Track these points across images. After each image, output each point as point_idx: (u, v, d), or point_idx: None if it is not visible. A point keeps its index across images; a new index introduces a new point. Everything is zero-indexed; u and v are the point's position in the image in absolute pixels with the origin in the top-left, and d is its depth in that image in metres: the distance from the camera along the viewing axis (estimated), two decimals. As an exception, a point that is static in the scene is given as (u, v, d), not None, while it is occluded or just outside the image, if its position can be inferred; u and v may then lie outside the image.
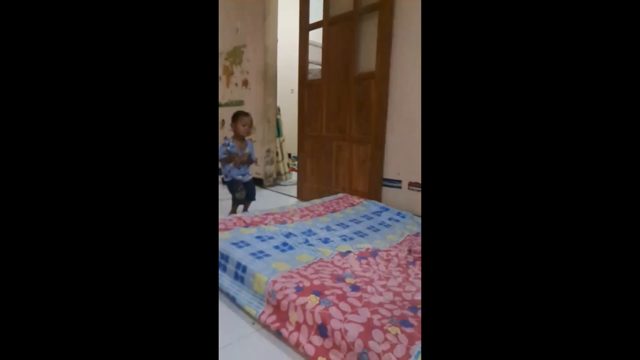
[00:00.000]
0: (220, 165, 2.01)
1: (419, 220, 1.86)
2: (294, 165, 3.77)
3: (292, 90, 4.06)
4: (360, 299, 0.96)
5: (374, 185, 2.22)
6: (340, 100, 2.39)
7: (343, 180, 2.43)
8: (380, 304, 0.94)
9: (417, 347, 0.77)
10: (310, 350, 0.85)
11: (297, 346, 0.88)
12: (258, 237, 1.40)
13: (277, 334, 0.94)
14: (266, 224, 1.58)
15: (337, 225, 1.69)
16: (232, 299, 1.11)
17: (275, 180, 3.39)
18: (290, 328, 0.92)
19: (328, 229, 1.62)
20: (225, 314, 1.07)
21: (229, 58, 3.58)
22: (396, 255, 1.34)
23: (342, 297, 0.95)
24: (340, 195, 2.25)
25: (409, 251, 1.40)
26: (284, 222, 1.65)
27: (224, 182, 2.08)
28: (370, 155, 2.22)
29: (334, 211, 1.92)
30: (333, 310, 0.88)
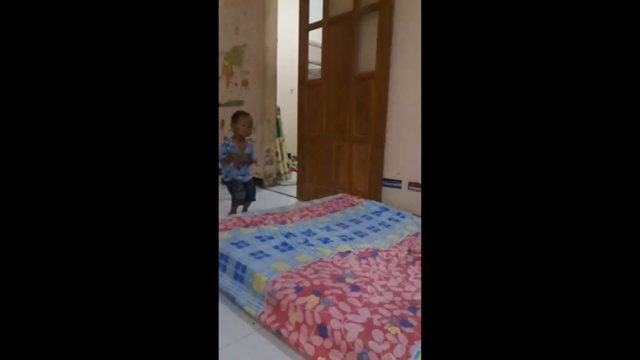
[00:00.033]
0: (220, 165, 2.01)
1: (419, 220, 1.86)
2: (294, 165, 3.77)
3: (292, 90, 4.06)
4: (360, 299, 0.96)
5: (373, 185, 2.22)
6: (340, 100, 2.39)
7: (343, 180, 2.43)
8: (380, 304, 0.94)
9: (417, 347, 0.77)
10: (310, 350, 0.85)
11: (296, 346, 0.88)
12: (258, 237, 1.40)
13: (277, 334, 0.94)
14: (266, 224, 1.58)
15: (337, 225, 1.69)
16: (232, 299, 1.11)
17: (275, 180, 3.39)
18: (290, 328, 0.92)
19: (328, 229, 1.62)
20: (225, 314, 1.07)
21: (228, 58, 3.57)
22: (396, 255, 1.34)
23: (342, 297, 0.95)
24: (340, 195, 2.25)
25: (409, 251, 1.40)
26: (283, 222, 1.65)
27: (223, 182, 2.08)
28: (370, 155, 2.22)
29: (333, 211, 1.92)
30: (333, 310, 0.88)
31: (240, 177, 2.02)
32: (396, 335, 0.80)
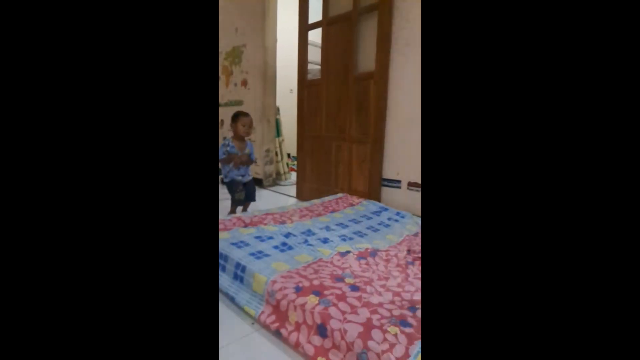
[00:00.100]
0: (219, 165, 2.01)
1: (419, 220, 1.86)
2: (293, 165, 3.77)
3: (292, 90, 4.06)
4: (359, 299, 0.96)
5: (373, 185, 2.22)
6: (339, 100, 2.39)
7: (342, 180, 2.43)
8: (380, 304, 0.94)
9: (416, 346, 0.77)
10: (310, 350, 0.85)
11: (296, 346, 0.88)
12: (257, 237, 1.40)
13: (277, 334, 0.94)
14: (265, 224, 1.58)
15: (337, 225, 1.69)
16: (232, 299, 1.11)
17: (274, 180, 3.39)
18: (290, 328, 0.93)
19: (327, 229, 1.62)
20: (225, 314, 1.07)
21: (228, 58, 3.57)
22: (395, 255, 1.35)
23: (342, 297, 0.95)
24: (339, 195, 2.25)
25: (408, 251, 1.40)
26: (283, 222, 1.65)
27: (223, 183, 2.08)
28: (369, 155, 2.22)
29: (333, 211, 1.92)
30: (332, 310, 0.88)
31: (240, 178, 2.01)
32: (395, 335, 0.80)
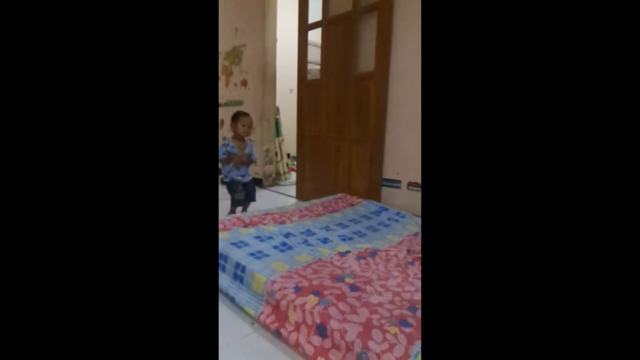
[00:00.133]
0: (220, 165, 2.01)
1: (418, 220, 1.86)
2: (293, 165, 3.77)
3: (291, 90, 4.05)
4: (359, 299, 0.96)
5: (373, 185, 2.22)
6: (339, 100, 2.39)
7: (342, 180, 2.43)
8: (380, 304, 0.94)
9: (416, 347, 0.77)
10: (310, 350, 0.85)
11: (296, 346, 0.88)
12: (257, 237, 1.40)
13: (277, 334, 0.94)
14: (265, 224, 1.58)
15: (336, 225, 1.69)
16: (232, 299, 1.11)
17: (274, 180, 3.39)
18: (290, 328, 0.93)
19: (327, 229, 1.62)
20: (225, 314, 1.07)
21: (228, 58, 3.57)
22: (395, 255, 1.35)
23: (341, 297, 0.95)
24: (339, 195, 2.25)
25: (408, 251, 1.40)
26: (283, 222, 1.65)
27: (223, 183, 2.07)
28: (369, 155, 2.22)
29: (333, 211, 1.92)
30: (332, 310, 0.88)
31: (240, 178, 2.01)
32: (395, 335, 0.80)
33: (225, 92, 3.66)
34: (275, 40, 3.17)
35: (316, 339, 0.86)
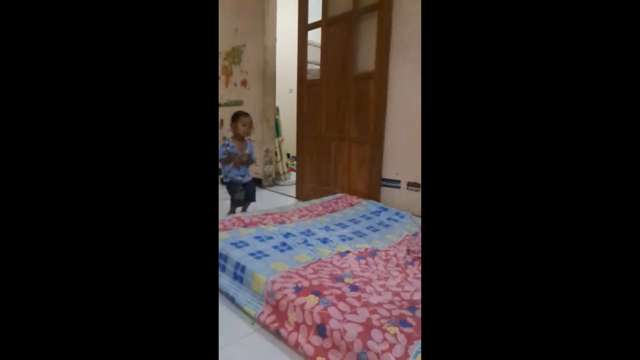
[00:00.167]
0: (220, 165, 2.00)
1: (418, 220, 1.86)
2: (293, 165, 3.77)
3: (291, 90, 4.06)
4: (359, 298, 0.96)
5: (372, 185, 2.22)
6: (339, 100, 2.39)
7: (342, 180, 2.43)
8: (379, 304, 0.94)
9: (416, 346, 0.77)
10: (309, 350, 0.85)
11: (296, 346, 0.88)
12: (257, 237, 1.40)
13: (276, 334, 0.94)
14: (265, 224, 1.58)
15: (336, 225, 1.69)
16: (231, 299, 1.11)
17: (274, 180, 3.39)
18: (289, 328, 0.93)
19: (327, 229, 1.62)
20: (225, 314, 1.07)
21: (227, 58, 3.57)
22: (395, 255, 1.35)
23: (341, 297, 0.95)
24: (339, 195, 2.25)
25: (408, 251, 1.40)
26: (282, 222, 1.65)
27: (223, 183, 2.07)
28: (369, 155, 2.22)
29: (332, 211, 1.92)
30: (332, 310, 0.89)
31: (240, 178, 2.01)
32: (395, 335, 0.80)
33: (225, 92, 3.66)
34: (275, 40, 3.17)
35: (316, 339, 0.86)
